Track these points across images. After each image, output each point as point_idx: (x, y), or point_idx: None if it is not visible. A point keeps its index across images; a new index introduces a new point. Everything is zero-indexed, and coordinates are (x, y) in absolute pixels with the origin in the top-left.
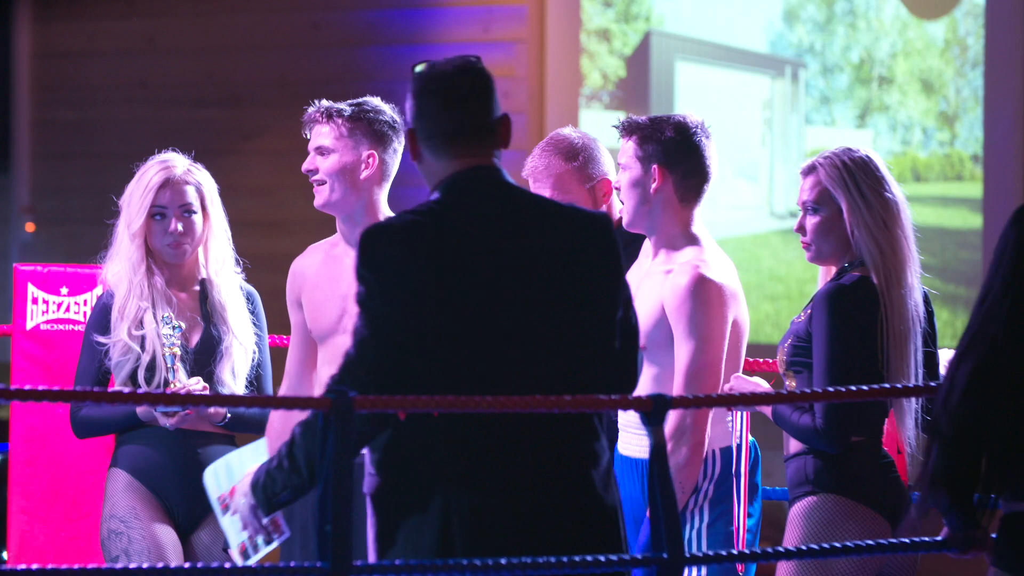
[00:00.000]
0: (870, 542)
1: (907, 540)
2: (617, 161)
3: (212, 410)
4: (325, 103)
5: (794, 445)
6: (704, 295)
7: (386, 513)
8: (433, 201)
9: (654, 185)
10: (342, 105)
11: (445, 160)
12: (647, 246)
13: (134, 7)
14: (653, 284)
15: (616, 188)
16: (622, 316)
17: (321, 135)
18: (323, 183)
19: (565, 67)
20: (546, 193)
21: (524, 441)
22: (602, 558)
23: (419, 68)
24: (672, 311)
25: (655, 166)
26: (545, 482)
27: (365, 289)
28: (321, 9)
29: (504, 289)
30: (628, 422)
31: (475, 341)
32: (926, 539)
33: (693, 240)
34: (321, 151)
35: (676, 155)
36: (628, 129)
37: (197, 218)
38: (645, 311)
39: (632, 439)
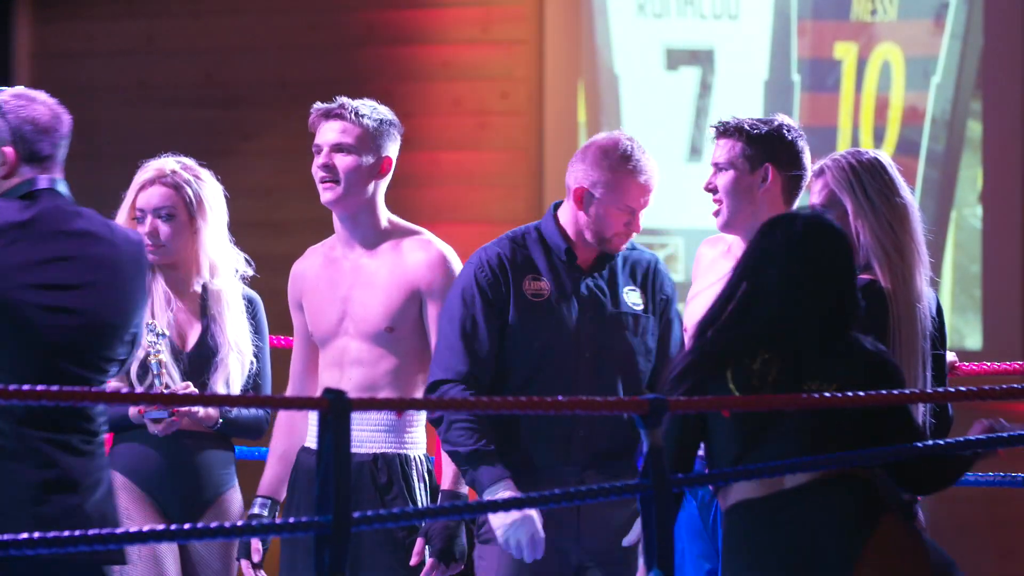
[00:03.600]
0: (988, 436)
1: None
2: (713, 161)
3: (203, 414)
4: (346, 100)
5: None
6: None
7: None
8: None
9: (764, 185)
10: (361, 105)
11: (37, 173)
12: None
13: (133, 7)
14: None
15: (710, 189)
16: (134, 333)
17: (341, 132)
18: (337, 181)
19: (564, 68)
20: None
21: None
22: (619, 484)
23: (19, 89)
24: None
25: (767, 165)
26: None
27: None
28: (320, 10)
29: (54, 291)
30: None
31: (20, 337)
32: None
33: None
34: (340, 148)
35: (785, 155)
36: (734, 129)
37: (175, 223)
38: None
39: None
